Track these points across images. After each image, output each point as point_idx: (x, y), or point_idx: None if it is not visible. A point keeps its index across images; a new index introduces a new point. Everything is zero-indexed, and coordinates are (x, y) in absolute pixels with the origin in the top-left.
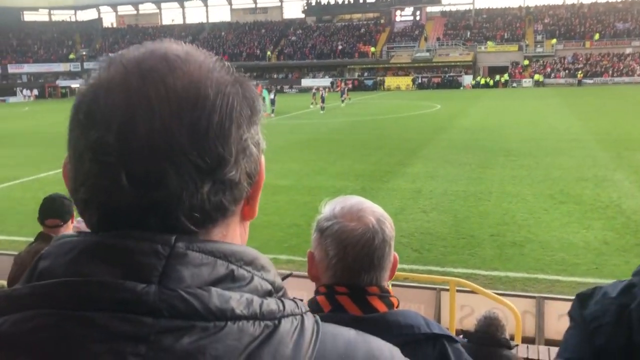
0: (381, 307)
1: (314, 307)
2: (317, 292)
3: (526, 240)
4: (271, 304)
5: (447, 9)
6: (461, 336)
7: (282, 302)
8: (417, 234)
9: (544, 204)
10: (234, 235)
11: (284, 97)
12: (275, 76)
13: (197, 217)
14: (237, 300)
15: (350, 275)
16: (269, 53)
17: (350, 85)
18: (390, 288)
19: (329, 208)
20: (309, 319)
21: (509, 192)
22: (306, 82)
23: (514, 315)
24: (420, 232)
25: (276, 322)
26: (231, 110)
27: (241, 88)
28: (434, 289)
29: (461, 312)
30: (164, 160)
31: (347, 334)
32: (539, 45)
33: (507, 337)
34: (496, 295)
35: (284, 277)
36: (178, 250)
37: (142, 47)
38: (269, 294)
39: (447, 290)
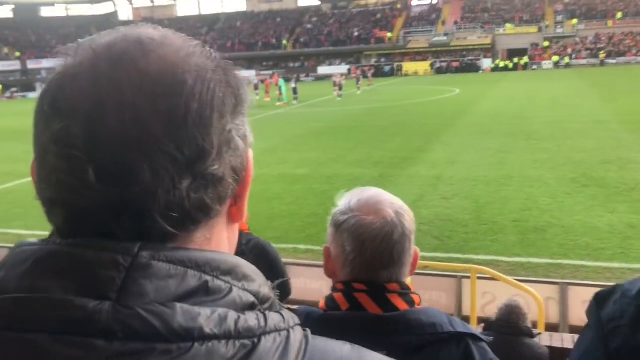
0: (402, 305)
1: (331, 304)
2: (334, 289)
3: (549, 225)
4: (250, 319)
5: None
6: (482, 325)
7: (265, 316)
8: (437, 221)
9: (567, 187)
10: (220, 238)
11: (301, 86)
12: (291, 65)
13: (176, 217)
14: (206, 317)
15: (368, 271)
16: (284, 42)
17: (367, 72)
18: (411, 284)
19: (345, 201)
20: (297, 335)
21: (531, 177)
22: (322, 70)
23: (537, 302)
24: (440, 219)
25: (255, 340)
26: (212, 98)
27: (224, 75)
28: (455, 276)
29: (483, 300)
30: (136, 153)
31: (340, 350)
32: (559, 26)
33: (529, 325)
34: (518, 282)
35: (276, 285)
36: (141, 261)
37: (115, 32)
38: (250, 307)
39: (468, 277)
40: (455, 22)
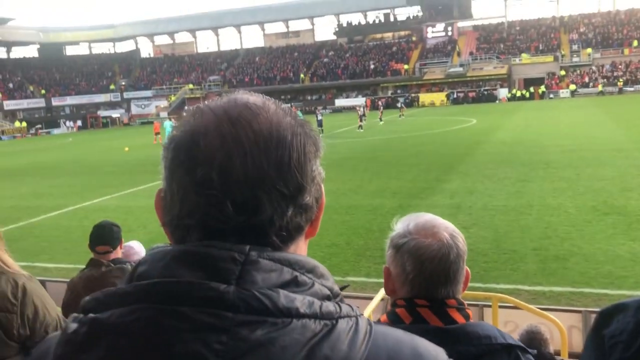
0: (459, 318)
1: (394, 318)
2: (394, 305)
3: (570, 253)
4: (329, 306)
5: (478, 22)
6: None
7: (339, 305)
8: None
9: (587, 216)
10: (300, 249)
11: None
12: (309, 97)
13: (284, 235)
14: (300, 301)
15: (428, 289)
16: (302, 75)
17: (388, 102)
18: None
19: (402, 225)
20: (363, 321)
21: (550, 205)
22: (340, 102)
23: (560, 330)
24: None
25: (334, 321)
26: (304, 147)
27: (305, 128)
28: (477, 305)
29: (505, 329)
30: (259, 191)
31: (396, 334)
32: (575, 55)
33: (552, 351)
34: (540, 310)
35: (342, 287)
36: (251, 258)
37: (225, 98)
38: (327, 298)
39: (490, 306)
40: (471, 53)
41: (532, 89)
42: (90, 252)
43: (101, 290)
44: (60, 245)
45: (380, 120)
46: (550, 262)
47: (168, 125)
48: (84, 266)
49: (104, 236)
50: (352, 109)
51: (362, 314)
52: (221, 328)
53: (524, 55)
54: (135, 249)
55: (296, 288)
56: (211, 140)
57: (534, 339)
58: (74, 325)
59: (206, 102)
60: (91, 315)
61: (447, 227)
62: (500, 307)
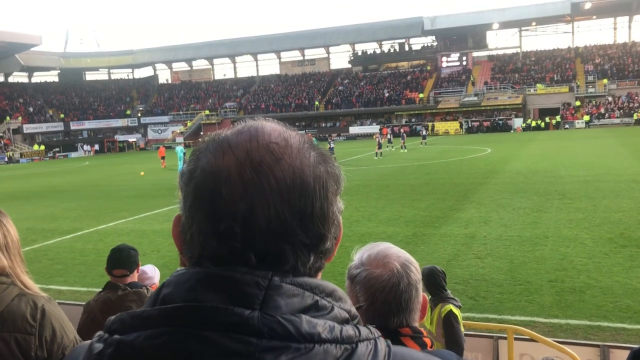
0: (415, 347)
1: None
2: None
3: (586, 286)
4: (349, 330)
5: (493, 53)
6: None
7: (358, 328)
8: (472, 281)
9: (604, 248)
10: (318, 277)
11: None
12: (323, 125)
13: (305, 272)
14: (322, 326)
15: (380, 319)
16: (317, 103)
17: (398, 131)
18: (423, 329)
19: (358, 256)
20: (382, 343)
21: (566, 237)
22: (354, 129)
23: None
24: (475, 279)
25: (354, 345)
26: (326, 192)
27: (326, 164)
28: (491, 337)
29: None
30: (282, 243)
31: (417, 355)
32: (590, 86)
33: None
34: (557, 344)
35: (358, 307)
36: (274, 283)
37: (244, 132)
38: (346, 321)
39: (505, 338)
40: (485, 83)
41: (547, 119)
42: (107, 275)
43: (127, 311)
44: (75, 268)
45: (404, 148)
46: (566, 294)
47: (179, 150)
48: (98, 289)
49: (122, 260)
50: (367, 136)
51: (381, 336)
52: (246, 353)
53: (539, 85)
54: (149, 273)
55: (317, 312)
56: (233, 188)
57: None
58: (99, 346)
59: (225, 134)
60: (117, 336)
61: (399, 257)
62: (516, 339)
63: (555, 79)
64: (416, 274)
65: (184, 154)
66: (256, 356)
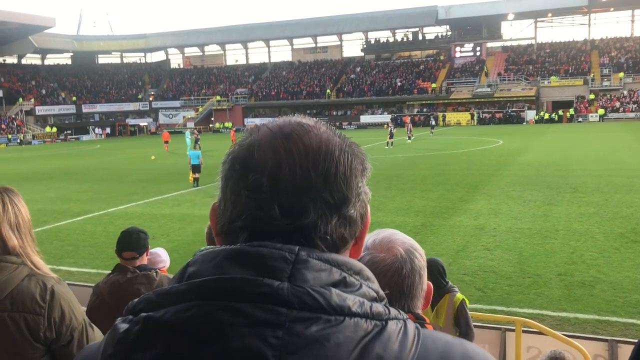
0: None
1: None
2: None
3: (596, 280)
4: (379, 307)
5: (508, 44)
6: None
7: (387, 307)
8: (480, 273)
9: (615, 242)
10: None
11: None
12: (334, 113)
13: (329, 241)
14: (352, 300)
15: None
16: (328, 91)
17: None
18: (427, 316)
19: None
20: (411, 324)
21: (577, 230)
22: (365, 118)
23: (585, 358)
24: (483, 271)
25: (384, 322)
26: (351, 163)
27: (354, 148)
28: (499, 328)
29: (528, 354)
30: (305, 197)
31: (445, 337)
32: (605, 79)
33: None
34: (565, 337)
35: (385, 294)
36: (302, 257)
37: (281, 119)
38: (374, 300)
39: (513, 330)
40: (499, 74)
41: (560, 112)
42: (117, 257)
43: (152, 291)
44: (84, 249)
45: (409, 138)
46: (575, 288)
47: (187, 136)
48: (107, 271)
49: (131, 242)
50: (378, 125)
51: (409, 318)
52: (277, 323)
53: (553, 77)
54: (162, 256)
55: (345, 288)
56: (264, 151)
57: None
58: (124, 326)
59: (265, 122)
60: (144, 314)
61: (404, 243)
62: (524, 332)
63: (570, 71)
64: (420, 260)
65: (190, 139)
66: (287, 326)
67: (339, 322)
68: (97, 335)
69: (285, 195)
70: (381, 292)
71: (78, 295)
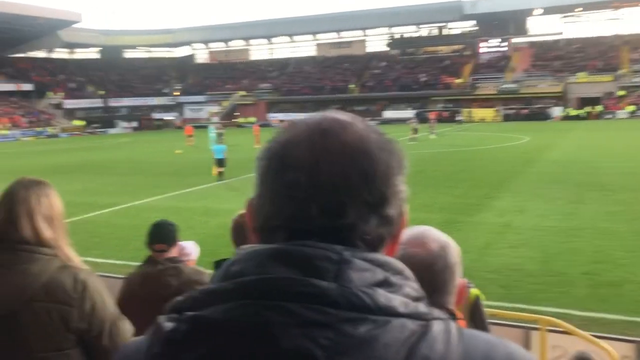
0: None
1: None
2: None
3: (624, 280)
4: (422, 307)
5: (534, 39)
6: None
7: (429, 307)
8: (504, 270)
9: None
10: None
11: None
12: (357, 108)
13: (368, 241)
14: (398, 300)
15: None
16: (351, 86)
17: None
18: (459, 313)
19: None
20: (453, 323)
21: (604, 229)
22: (388, 114)
23: (612, 359)
24: (507, 268)
25: (428, 322)
26: (389, 162)
27: (391, 145)
28: (523, 327)
29: (552, 353)
30: (344, 196)
31: (486, 336)
32: (636, 75)
33: None
34: (592, 337)
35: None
36: (346, 257)
37: (317, 115)
38: (417, 299)
39: (537, 329)
40: (525, 70)
41: (588, 109)
42: (144, 249)
43: (197, 289)
44: (111, 241)
45: (432, 133)
46: (602, 287)
47: (211, 130)
48: (133, 262)
49: (162, 235)
50: (401, 121)
51: (450, 318)
52: (326, 324)
53: (580, 73)
54: (188, 249)
55: (389, 288)
56: (302, 148)
57: None
58: (169, 325)
59: (301, 118)
60: (190, 313)
61: (438, 239)
62: (549, 330)
63: (599, 67)
64: (454, 257)
65: (214, 134)
66: (335, 326)
67: (386, 323)
68: (127, 327)
69: (324, 194)
70: (422, 292)
71: (106, 286)
